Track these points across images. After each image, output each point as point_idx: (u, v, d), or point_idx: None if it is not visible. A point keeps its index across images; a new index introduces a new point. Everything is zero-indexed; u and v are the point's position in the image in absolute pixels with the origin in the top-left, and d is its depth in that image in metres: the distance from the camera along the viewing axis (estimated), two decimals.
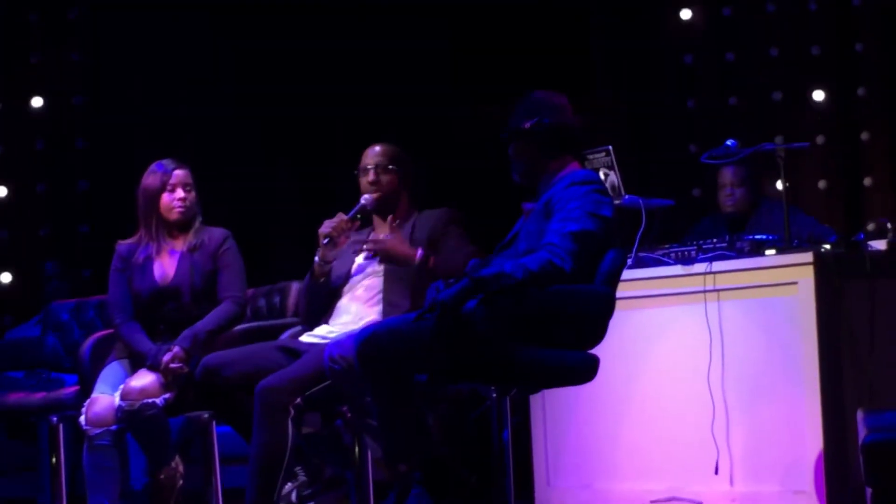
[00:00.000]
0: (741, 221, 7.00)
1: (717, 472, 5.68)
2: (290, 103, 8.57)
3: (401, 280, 5.44)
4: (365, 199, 5.60)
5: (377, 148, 5.65)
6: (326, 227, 5.50)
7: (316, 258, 5.54)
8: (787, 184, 5.94)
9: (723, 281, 5.71)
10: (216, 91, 8.46)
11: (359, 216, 5.59)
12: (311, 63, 8.56)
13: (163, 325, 5.66)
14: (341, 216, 5.52)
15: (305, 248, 5.63)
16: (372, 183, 5.60)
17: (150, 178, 5.72)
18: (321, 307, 5.58)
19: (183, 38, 8.48)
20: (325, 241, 5.49)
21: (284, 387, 5.18)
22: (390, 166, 5.60)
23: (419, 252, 5.34)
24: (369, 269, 5.55)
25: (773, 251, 5.67)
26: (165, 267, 5.70)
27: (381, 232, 5.64)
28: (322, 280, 5.56)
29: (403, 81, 8.44)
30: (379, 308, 5.48)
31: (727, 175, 7.07)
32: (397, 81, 8.44)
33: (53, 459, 6.09)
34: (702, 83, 8.37)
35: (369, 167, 5.61)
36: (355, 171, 5.64)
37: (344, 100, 8.47)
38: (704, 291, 5.73)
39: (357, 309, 5.50)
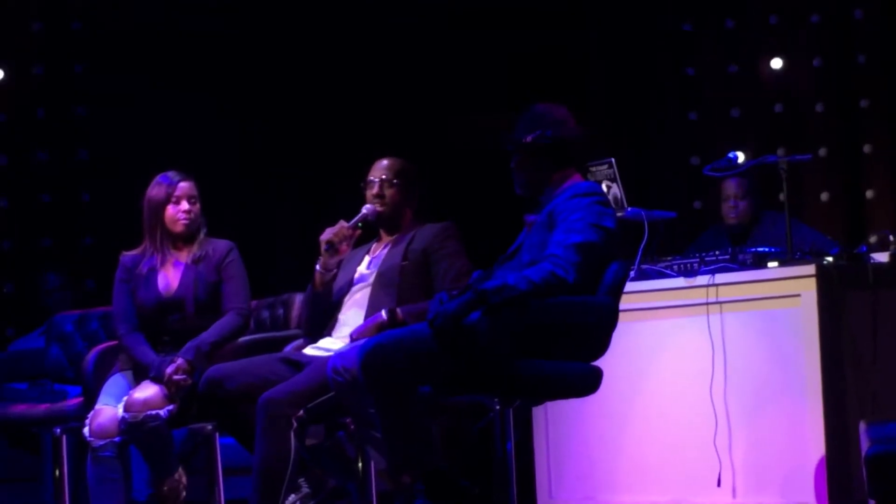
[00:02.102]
0: (744, 234, 6.99)
1: (719, 484, 5.68)
2: (294, 115, 8.59)
3: (389, 286, 5.45)
4: (367, 208, 5.61)
5: (384, 162, 5.65)
6: (327, 234, 5.52)
7: (317, 266, 5.55)
8: (790, 196, 5.94)
9: (725, 293, 5.71)
10: (220, 103, 8.47)
11: (360, 225, 5.60)
12: (316, 75, 8.58)
13: (166, 336, 5.66)
14: (342, 223, 5.53)
15: (309, 260, 5.63)
16: (376, 196, 5.61)
17: (155, 190, 5.73)
18: (322, 318, 5.58)
19: (186, 47, 8.50)
20: (326, 247, 5.50)
21: (287, 399, 5.18)
22: (395, 180, 5.60)
23: (382, 313, 5.34)
24: (369, 279, 5.56)
25: (775, 263, 5.67)
26: (169, 278, 5.70)
27: (386, 239, 5.64)
28: (322, 290, 5.56)
29: (405, 93, 8.45)
30: None
31: (731, 187, 7.07)
32: (400, 93, 8.46)
33: (57, 471, 6.08)
34: (704, 95, 8.38)
35: (374, 180, 5.62)
36: (361, 184, 5.65)
37: (348, 111, 8.48)
38: (707, 303, 5.73)
39: (357, 321, 5.50)
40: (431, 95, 8.45)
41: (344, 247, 5.55)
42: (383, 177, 5.60)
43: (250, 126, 8.65)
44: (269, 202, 8.59)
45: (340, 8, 8.53)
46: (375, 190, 5.61)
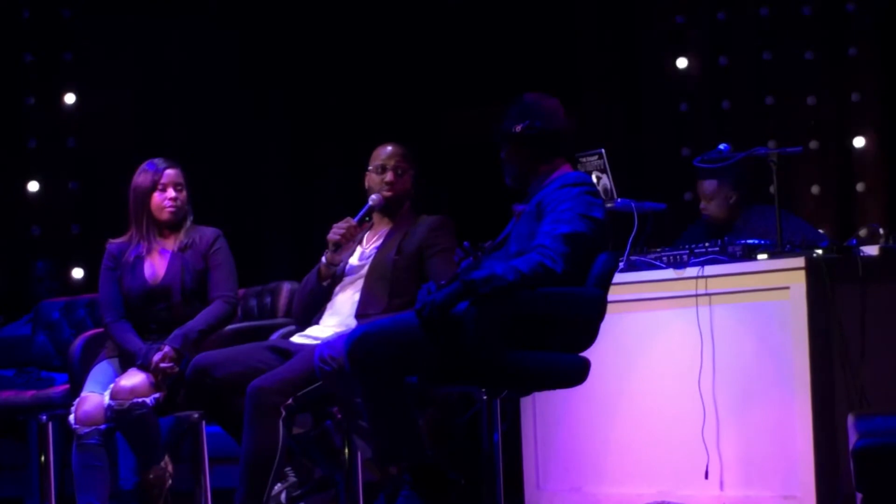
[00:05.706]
0: (723, 230, 6.89)
1: (707, 477, 5.68)
2: (281, 103, 8.57)
3: (381, 279, 5.42)
4: (373, 198, 5.53)
5: (389, 148, 5.57)
6: (335, 234, 5.45)
7: (323, 259, 5.51)
8: (780, 188, 5.93)
9: (714, 285, 5.71)
10: (210, 91, 8.46)
11: (367, 218, 5.56)
12: (304, 64, 8.57)
13: (153, 324, 5.65)
14: (349, 221, 5.47)
15: (297, 248, 5.61)
16: (389, 183, 5.54)
17: (141, 177, 5.71)
18: (317, 309, 5.56)
19: (178, 39, 8.48)
20: (334, 247, 5.45)
21: (275, 387, 5.16)
22: (408, 167, 5.55)
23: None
24: (360, 271, 5.53)
25: (764, 256, 5.66)
26: (156, 266, 5.68)
27: (380, 228, 5.60)
28: (326, 283, 5.53)
29: (395, 83, 8.44)
30: None
31: (700, 189, 6.92)
32: (389, 83, 8.45)
33: (42, 458, 6.07)
34: (694, 87, 8.36)
35: (388, 167, 5.54)
36: (369, 168, 5.58)
37: (336, 100, 8.47)
38: (696, 295, 5.72)
39: (349, 310, 5.48)
40: (426, 92, 8.44)
41: (351, 243, 5.52)
42: (396, 163, 5.54)
43: (243, 113, 8.64)
44: (256, 190, 8.57)
45: (339, 7, 8.53)
46: (389, 177, 5.52)
